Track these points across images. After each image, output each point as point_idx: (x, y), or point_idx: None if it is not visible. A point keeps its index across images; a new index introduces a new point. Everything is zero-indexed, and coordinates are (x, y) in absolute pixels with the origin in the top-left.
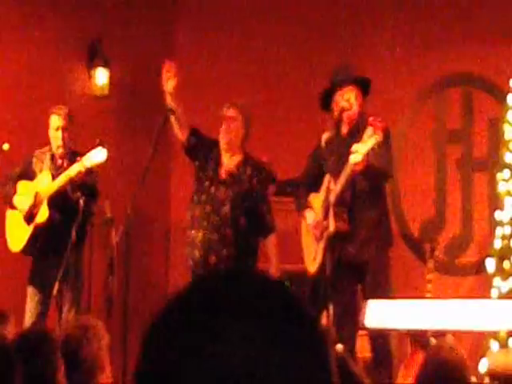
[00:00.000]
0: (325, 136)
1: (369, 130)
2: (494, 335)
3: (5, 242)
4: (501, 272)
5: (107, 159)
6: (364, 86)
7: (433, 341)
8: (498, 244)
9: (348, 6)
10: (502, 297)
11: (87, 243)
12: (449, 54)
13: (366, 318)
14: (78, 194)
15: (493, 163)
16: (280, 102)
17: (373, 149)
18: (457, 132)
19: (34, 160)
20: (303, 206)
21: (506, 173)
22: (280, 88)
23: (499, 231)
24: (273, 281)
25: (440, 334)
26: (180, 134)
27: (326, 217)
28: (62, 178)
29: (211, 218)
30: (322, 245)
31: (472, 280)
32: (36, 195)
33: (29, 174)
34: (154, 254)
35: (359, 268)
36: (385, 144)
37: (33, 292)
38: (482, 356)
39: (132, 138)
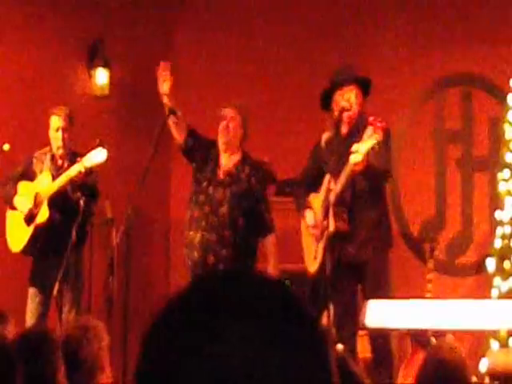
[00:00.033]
0: (325, 136)
1: (369, 130)
2: (495, 335)
3: (5, 242)
4: (501, 272)
5: (107, 159)
6: (364, 86)
7: (433, 341)
8: (498, 244)
9: (350, 6)
10: (502, 296)
11: (87, 243)
12: (449, 54)
13: (366, 318)
14: (78, 194)
15: (493, 163)
16: (280, 102)
17: (373, 149)
18: (457, 132)
19: (35, 161)
20: (303, 205)
21: (506, 172)
22: (280, 88)
23: (499, 231)
24: (272, 281)
25: (440, 334)
26: (178, 135)
27: (325, 217)
28: (63, 179)
29: (209, 218)
30: (321, 245)
31: (472, 280)
32: (36, 196)
33: (29, 175)
34: (155, 254)
35: (359, 268)
36: (385, 144)
37: (33, 293)
38: (483, 356)
39: (132, 138)
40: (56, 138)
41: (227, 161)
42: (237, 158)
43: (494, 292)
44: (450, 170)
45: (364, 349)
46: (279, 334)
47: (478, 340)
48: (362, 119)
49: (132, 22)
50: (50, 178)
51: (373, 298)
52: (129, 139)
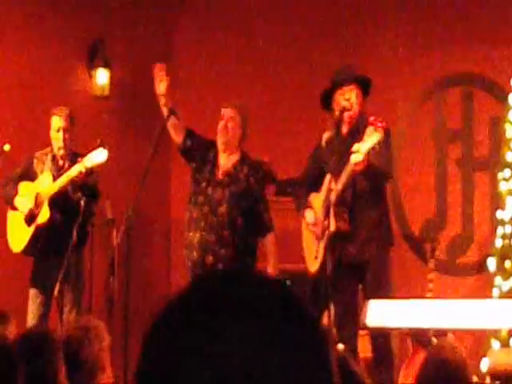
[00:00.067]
0: (325, 136)
1: (369, 130)
2: (495, 334)
3: (6, 242)
4: (502, 271)
5: (108, 160)
6: (365, 86)
7: (434, 340)
8: (499, 243)
9: (350, 6)
10: (503, 296)
11: (88, 244)
12: (450, 54)
13: (366, 318)
14: (79, 194)
15: (494, 162)
16: (280, 102)
17: (373, 148)
18: (457, 132)
19: (35, 161)
20: (303, 205)
21: (506, 172)
22: (280, 88)
23: (500, 230)
24: (272, 280)
25: (441, 334)
26: (176, 136)
27: (326, 216)
28: (63, 179)
29: (208, 218)
30: (322, 244)
31: (473, 279)
32: (37, 196)
33: (30, 175)
34: (155, 254)
35: (360, 268)
36: (385, 144)
37: (35, 294)
38: (484, 355)
39: (132, 138)
40: (57, 138)
41: (226, 161)
42: (236, 157)
43: (495, 291)
44: (450, 170)
45: (365, 348)
46: (279, 334)
47: (479, 340)
48: (362, 119)
49: (132, 22)
50: (51, 178)
51: (374, 297)
52: (129, 139)
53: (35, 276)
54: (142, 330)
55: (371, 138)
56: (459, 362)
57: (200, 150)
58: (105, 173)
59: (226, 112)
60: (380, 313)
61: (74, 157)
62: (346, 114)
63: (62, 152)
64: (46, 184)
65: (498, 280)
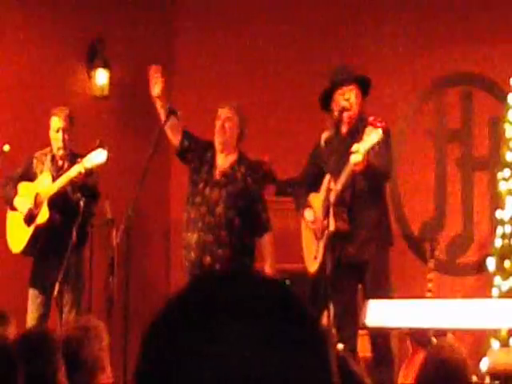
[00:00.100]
0: (324, 136)
1: (369, 130)
2: (495, 334)
3: (5, 242)
4: (501, 271)
5: (107, 160)
6: (364, 86)
7: (433, 340)
8: (498, 243)
9: (350, 6)
10: (502, 296)
11: (87, 244)
12: (449, 53)
13: (366, 318)
14: (79, 195)
15: (493, 162)
16: (280, 101)
17: (373, 148)
18: (457, 131)
19: (35, 161)
20: (302, 205)
21: (506, 172)
22: (280, 88)
23: (500, 230)
24: (271, 281)
25: (441, 334)
26: (173, 137)
27: (326, 216)
28: (63, 179)
29: (206, 219)
30: (322, 244)
31: (473, 279)
32: (36, 196)
33: (29, 176)
34: (155, 254)
35: (359, 268)
36: (385, 144)
37: (34, 294)
38: (483, 355)
39: (132, 138)
40: (56, 138)
41: (223, 161)
42: (233, 157)
43: (495, 291)
44: (450, 170)
45: (364, 348)
46: (278, 334)
47: (479, 339)
48: (361, 119)
49: (132, 22)
50: (51, 178)
51: (373, 297)
52: (128, 139)
53: (35, 276)
54: (142, 330)
55: (371, 138)
56: (459, 362)
57: (197, 151)
58: (104, 173)
59: (224, 112)
60: (379, 313)
61: (73, 157)
62: (346, 114)
63: (61, 152)
64: (46, 184)
65: (497, 280)
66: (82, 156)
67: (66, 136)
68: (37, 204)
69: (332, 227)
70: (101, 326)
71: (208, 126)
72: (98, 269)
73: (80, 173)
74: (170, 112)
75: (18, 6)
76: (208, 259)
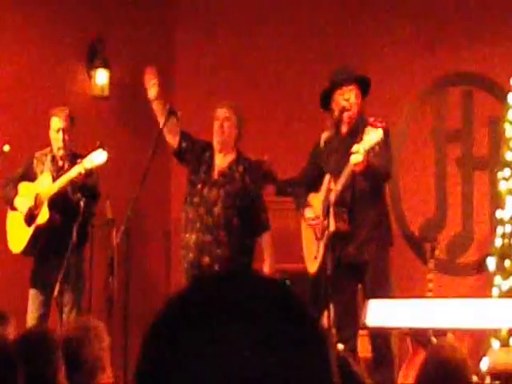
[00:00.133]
0: (324, 136)
1: (369, 130)
2: (495, 334)
3: (6, 243)
4: (502, 271)
5: (107, 160)
6: (364, 86)
7: (434, 340)
8: (498, 243)
9: (349, 6)
10: (502, 295)
11: (88, 244)
12: (450, 53)
13: (366, 318)
14: (79, 195)
15: (493, 162)
16: (280, 102)
17: (373, 149)
18: (457, 131)
19: (35, 161)
20: (302, 204)
21: (506, 171)
22: (280, 88)
23: (500, 230)
24: (271, 281)
25: (441, 333)
26: (171, 138)
27: (326, 217)
28: (63, 180)
29: (204, 219)
30: (322, 244)
31: (473, 279)
32: (37, 196)
33: (30, 176)
34: (155, 254)
35: (360, 268)
36: (385, 144)
37: (34, 294)
38: (483, 355)
39: (132, 138)
40: (56, 139)
41: (222, 161)
42: (231, 157)
43: (495, 291)
44: (450, 170)
45: (364, 348)
46: (278, 334)
47: (479, 339)
48: (361, 119)
49: (132, 22)
50: (51, 178)
51: (373, 297)
52: (129, 140)
53: (35, 276)
54: (142, 330)
55: (371, 139)
56: (459, 362)
57: (195, 151)
58: (105, 173)
59: (221, 112)
60: (380, 313)
61: (73, 157)
62: (346, 114)
63: (61, 152)
64: (46, 185)
65: (497, 279)
66: (83, 156)
67: (67, 136)
68: (37, 204)
69: (332, 227)
70: (101, 326)
71: (208, 126)
72: (98, 269)
73: (80, 173)
74: (170, 112)
75: (18, 6)
76: (207, 259)
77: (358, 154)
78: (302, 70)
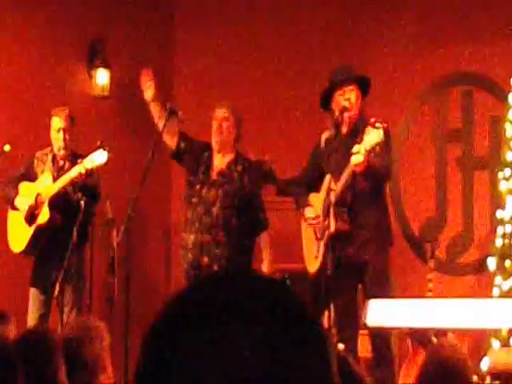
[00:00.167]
0: (324, 136)
1: (369, 131)
2: (496, 334)
3: (6, 242)
4: (502, 271)
5: (108, 160)
6: (364, 86)
7: (434, 340)
8: (499, 243)
9: (349, 6)
10: (503, 295)
11: (88, 244)
12: (450, 53)
13: (366, 318)
14: (79, 195)
15: (494, 162)
16: (280, 102)
17: (374, 149)
18: (458, 131)
19: (36, 161)
20: (303, 204)
21: (507, 171)
22: (280, 88)
23: (500, 230)
24: (271, 280)
25: (441, 333)
26: (170, 139)
27: (326, 217)
28: (63, 180)
29: (203, 219)
30: (322, 244)
31: (473, 279)
32: (37, 196)
33: (30, 176)
34: (155, 254)
35: (360, 268)
36: (385, 145)
37: (35, 294)
38: (484, 355)
39: (132, 138)
40: (57, 139)
41: (220, 161)
42: (230, 157)
43: (495, 291)
44: (450, 169)
45: (365, 348)
46: (278, 334)
47: (479, 339)
48: (362, 119)
49: (132, 22)
50: (51, 178)
51: (373, 297)
52: (128, 139)
53: (35, 276)
54: (142, 329)
55: (371, 139)
56: (459, 362)
57: (194, 152)
58: (105, 173)
59: (220, 112)
60: (380, 313)
61: (74, 157)
62: (346, 115)
63: (62, 152)
64: (46, 184)
65: (498, 279)
66: (83, 156)
67: (67, 136)
68: (38, 204)
69: (332, 228)
70: (101, 326)
71: (208, 126)
72: (98, 269)
73: (81, 173)
74: (171, 112)
75: (18, 6)
76: (206, 259)
77: (358, 155)
78: (302, 69)
